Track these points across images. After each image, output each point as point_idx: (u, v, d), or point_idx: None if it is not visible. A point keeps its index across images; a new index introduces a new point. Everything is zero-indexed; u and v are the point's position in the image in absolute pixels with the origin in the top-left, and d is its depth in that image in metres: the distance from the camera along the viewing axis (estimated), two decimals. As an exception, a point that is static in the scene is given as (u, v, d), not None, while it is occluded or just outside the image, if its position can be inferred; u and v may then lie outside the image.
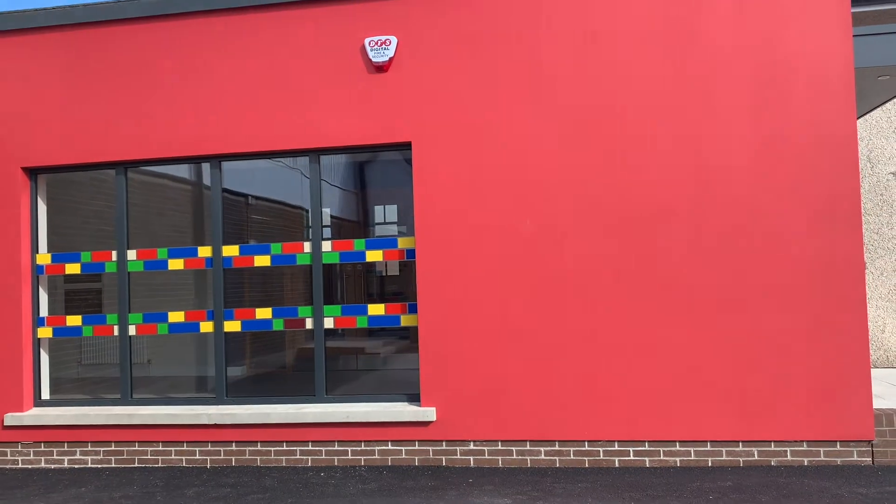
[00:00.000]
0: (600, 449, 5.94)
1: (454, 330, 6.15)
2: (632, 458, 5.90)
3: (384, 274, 7.05)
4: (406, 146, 6.38)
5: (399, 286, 7.04)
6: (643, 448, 5.89)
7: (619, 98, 6.01)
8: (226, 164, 6.74)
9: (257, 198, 7.18)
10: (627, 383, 5.91)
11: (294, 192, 6.97)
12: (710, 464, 5.80)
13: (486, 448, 6.08)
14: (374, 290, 7.12)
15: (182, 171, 7.07)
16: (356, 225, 6.98)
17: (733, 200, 5.84)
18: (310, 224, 6.66)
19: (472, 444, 6.10)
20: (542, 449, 6.01)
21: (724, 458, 5.79)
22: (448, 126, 6.22)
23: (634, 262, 5.94)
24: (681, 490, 5.26)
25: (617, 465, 5.91)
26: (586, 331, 5.98)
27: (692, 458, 5.83)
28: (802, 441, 5.72)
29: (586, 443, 5.96)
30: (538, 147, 6.09)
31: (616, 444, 5.92)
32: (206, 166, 6.79)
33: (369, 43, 6.30)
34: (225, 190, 6.79)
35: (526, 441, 6.03)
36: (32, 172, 6.93)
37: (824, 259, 5.73)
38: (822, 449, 5.70)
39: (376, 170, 6.96)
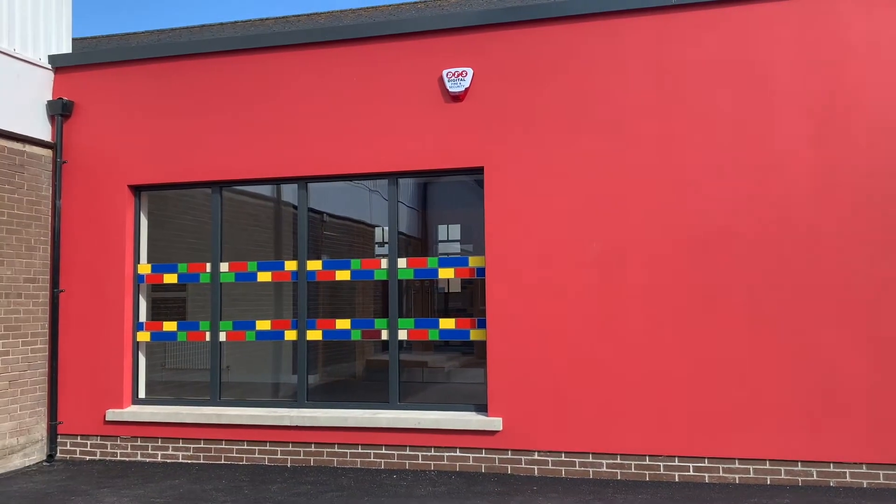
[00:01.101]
0: (661, 463, 6.18)
1: (521, 345, 6.49)
2: (691, 473, 6.12)
3: (447, 291, 7.46)
4: (479, 171, 6.79)
5: (462, 303, 7.44)
6: (703, 464, 6.10)
7: (688, 128, 6.29)
8: (310, 185, 7.27)
9: (331, 215, 7.71)
10: (689, 400, 6.14)
11: (364, 210, 7.48)
12: (768, 482, 5.98)
13: (549, 458, 6.39)
14: (439, 306, 7.53)
15: (261, 188, 7.69)
16: (420, 242, 7.42)
17: (794, 227, 6.04)
18: (378, 240, 7.19)
19: (536, 453, 6.42)
20: (604, 461, 6.29)
21: (782, 476, 5.96)
22: (520, 153, 6.61)
23: (698, 284, 6.18)
24: (739, 505, 5.47)
25: (677, 479, 6.14)
26: (650, 348, 6.24)
27: (751, 475, 6.01)
28: (862, 463, 5.84)
29: (647, 457, 6.21)
30: (608, 173, 6.41)
31: (676, 459, 6.15)
32: (293, 187, 7.34)
33: (447, 74, 6.76)
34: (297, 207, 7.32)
35: (589, 453, 6.31)
36: (137, 190, 7.61)
37: (886, 286, 5.87)
38: (881, 472, 5.81)
39: (441, 190, 7.41)
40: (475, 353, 7.16)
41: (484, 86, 6.72)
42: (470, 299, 7.33)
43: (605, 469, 6.28)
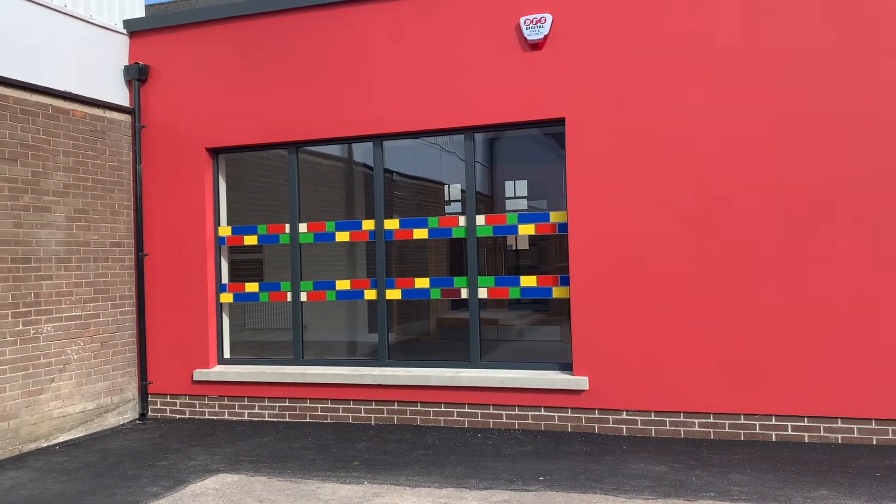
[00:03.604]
0: (756, 423, 5.94)
1: (606, 302, 6.29)
2: (790, 432, 5.87)
3: (515, 248, 7.27)
4: (559, 122, 6.53)
5: (531, 260, 7.24)
6: (802, 423, 5.84)
7: (785, 71, 5.87)
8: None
9: (401, 174, 7.58)
10: (787, 357, 5.85)
11: (433, 168, 7.33)
12: (874, 442, 5.68)
13: (639, 418, 6.22)
14: (509, 263, 7.35)
15: (331, 148, 7.61)
16: (488, 198, 7.23)
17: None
18: (447, 198, 7.06)
19: (624, 413, 6.26)
20: (696, 420, 6.08)
21: (890, 437, 5.65)
22: (602, 102, 6.31)
23: (796, 238, 5.84)
24: (844, 466, 5.21)
25: (774, 439, 5.90)
26: (743, 304, 5.96)
27: (855, 435, 5.72)
28: (979, 423, 5.50)
29: (742, 416, 5.97)
30: (696, 121, 6.08)
31: (773, 418, 5.90)
32: (364, 147, 7.23)
33: (524, 21, 6.47)
34: (368, 166, 7.21)
35: (680, 412, 6.11)
36: (214, 152, 7.63)
37: None
38: None
39: (509, 145, 7.18)
40: (550, 311, 6.99)
41: (564, 32, 6.42)
42: (539, 256, 7.14)
43: (697, 428, 6.08)
